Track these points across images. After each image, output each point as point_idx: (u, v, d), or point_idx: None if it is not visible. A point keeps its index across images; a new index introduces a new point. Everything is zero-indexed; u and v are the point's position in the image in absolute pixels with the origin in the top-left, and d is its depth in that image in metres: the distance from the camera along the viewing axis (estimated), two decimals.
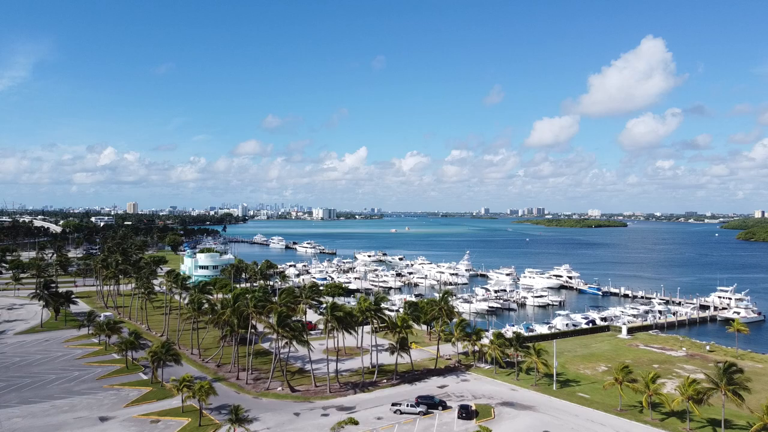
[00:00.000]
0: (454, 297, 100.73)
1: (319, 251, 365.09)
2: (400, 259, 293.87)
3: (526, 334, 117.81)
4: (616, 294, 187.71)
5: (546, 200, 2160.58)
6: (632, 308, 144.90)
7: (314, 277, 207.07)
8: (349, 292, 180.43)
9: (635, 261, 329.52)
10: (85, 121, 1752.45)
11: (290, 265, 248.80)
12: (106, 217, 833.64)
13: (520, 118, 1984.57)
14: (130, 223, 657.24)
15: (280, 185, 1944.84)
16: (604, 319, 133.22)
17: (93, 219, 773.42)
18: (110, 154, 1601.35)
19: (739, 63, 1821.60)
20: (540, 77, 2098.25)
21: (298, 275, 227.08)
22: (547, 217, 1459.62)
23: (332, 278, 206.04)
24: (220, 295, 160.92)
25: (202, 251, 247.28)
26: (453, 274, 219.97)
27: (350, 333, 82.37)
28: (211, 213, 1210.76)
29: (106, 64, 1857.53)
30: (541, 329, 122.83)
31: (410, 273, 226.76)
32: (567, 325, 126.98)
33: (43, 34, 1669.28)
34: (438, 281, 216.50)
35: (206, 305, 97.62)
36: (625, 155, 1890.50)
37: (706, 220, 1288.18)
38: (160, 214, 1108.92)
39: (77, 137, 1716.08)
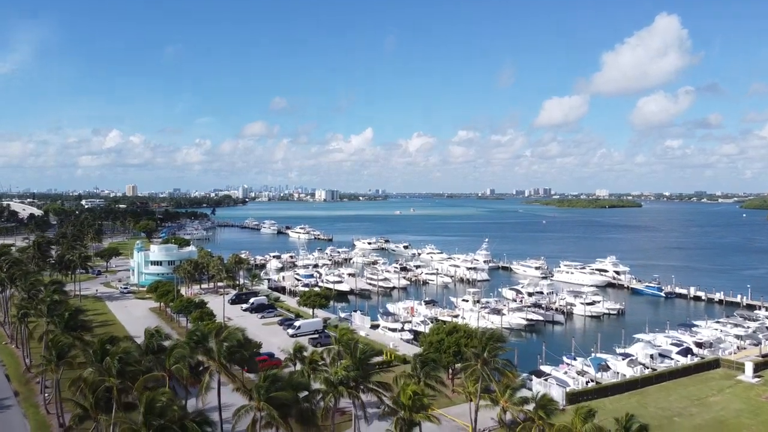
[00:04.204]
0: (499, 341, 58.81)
1: (313, 237, 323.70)
2: (405, 247, 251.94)
3: (601, 379, 76.97)
4: (683, 296, 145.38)
5: (552, 180, 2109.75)
6: (734, 325, 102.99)
7: (298, 274, 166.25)
8: (339, 296, 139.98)
9: (677, 246, 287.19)
10: (90, 103, 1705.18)
11: (274, 256, 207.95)
12: (97, 200, 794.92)
13: (529, 98, 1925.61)
14: (124, 206, 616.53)
15: (285, 167, 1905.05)
16: (700, 344, 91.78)
17: (83, 202, 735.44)
18: (115, 136, 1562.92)
19: (756, 41, 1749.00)
20: (551, 56, 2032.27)
21: (281, 269, 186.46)
22: (554, 197, 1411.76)
23: (320, 274, 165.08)
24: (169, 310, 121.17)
25: (166, 241, 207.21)
26: (470, 268, 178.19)
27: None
28: (212, 195, 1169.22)
29: (110, 46, 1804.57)
30: (619, 364, 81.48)
31: (417, 266, 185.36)
32: (653, 357, 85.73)
33: (46, 16, 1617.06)
34: (452, 277, 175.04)
35: (74, 351, 56.60)
36: (635, 135, 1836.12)
37: (719, 200, 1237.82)
38: (159, 196, 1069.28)
39: (82, 120, 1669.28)
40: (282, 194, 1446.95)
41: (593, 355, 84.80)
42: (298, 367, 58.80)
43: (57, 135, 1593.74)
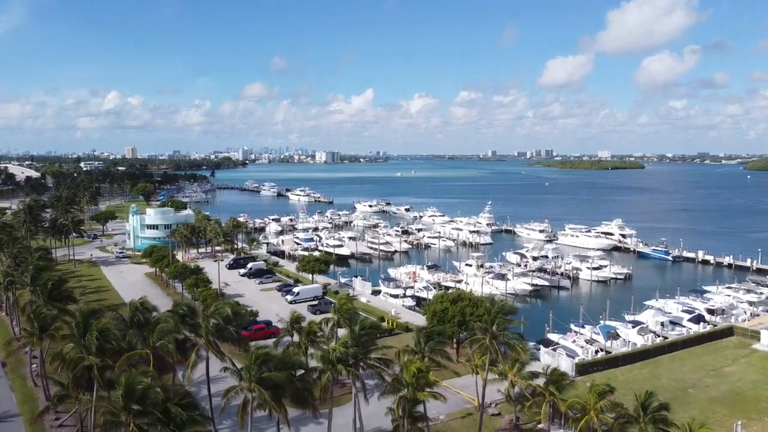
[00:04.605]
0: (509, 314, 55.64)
1: (313, 200, 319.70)
2: (407, 209, 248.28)
3: (611, 348, 74.24)
4: (691, 260, 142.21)
5: (555, 142, 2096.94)
6: (746, 290, 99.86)
7: (297, 237, 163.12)
8: (339, 261, 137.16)
9: (682, 209, 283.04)
10: (88, 64, 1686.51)
11: (273, 220, 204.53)
12: (96, 163, 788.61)
13: (532, 58, 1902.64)
14: (123, 168, 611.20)
15: (286, 129, 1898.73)
16: (712, 311, 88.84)
17: (82, 165, 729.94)
18: (114, 98, 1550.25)
19: None
20: (555, 14, 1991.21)
21: (280, 233, 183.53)
22: (556, 158, 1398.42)
23: (320, 238, 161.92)
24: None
25: (163, 204, 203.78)
26: (473, 231, 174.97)
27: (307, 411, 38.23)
28: (212, 157, 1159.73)
29: (107, 5, 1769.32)
30: (629, 332, 78.67)
31: (419, 230, 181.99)
32: (664, 325, 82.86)
33: None
34: (455, 241, 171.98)
35: (58, 323, 53.49)
36: (639, 95, 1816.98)
37: (723, 161, 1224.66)
38: (159, 158, 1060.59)
39: (80, 81, 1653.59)
40: (282, 156, 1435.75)
41: (602, 322, 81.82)
42: (296, 338, 55.77)
43: (55, 97, 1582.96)
